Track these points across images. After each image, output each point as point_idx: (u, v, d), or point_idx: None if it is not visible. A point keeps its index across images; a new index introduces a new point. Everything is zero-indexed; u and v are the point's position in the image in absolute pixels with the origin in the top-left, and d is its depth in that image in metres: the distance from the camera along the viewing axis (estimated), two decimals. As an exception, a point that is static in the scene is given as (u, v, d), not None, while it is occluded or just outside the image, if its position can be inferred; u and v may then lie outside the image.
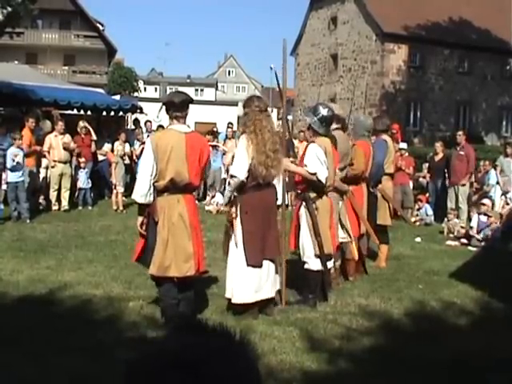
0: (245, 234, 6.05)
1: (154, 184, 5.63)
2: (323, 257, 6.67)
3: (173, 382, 0.90)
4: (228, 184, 6.25)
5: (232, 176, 6.09)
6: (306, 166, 6.61)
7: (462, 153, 13.66)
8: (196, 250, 5.72)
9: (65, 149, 13.63)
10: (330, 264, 6.96)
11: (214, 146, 16.38)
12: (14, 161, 11.84)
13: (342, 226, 7.74)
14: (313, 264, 6.73)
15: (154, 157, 5.58)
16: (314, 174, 6.54)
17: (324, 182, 6.59)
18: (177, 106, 5.78)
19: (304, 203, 6.75)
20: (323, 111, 6.83)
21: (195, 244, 5.72)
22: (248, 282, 6.07)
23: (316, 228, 6.61)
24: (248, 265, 6.04)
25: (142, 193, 5.64)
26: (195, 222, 5.80)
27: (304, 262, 6.80)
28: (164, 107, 5.94)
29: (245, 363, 0.97)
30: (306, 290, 6.84)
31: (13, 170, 11.89)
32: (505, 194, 13.68)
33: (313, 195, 6.70)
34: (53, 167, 13.60)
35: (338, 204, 7.53)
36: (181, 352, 0.94)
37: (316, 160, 6.55)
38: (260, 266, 6.10)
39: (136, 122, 19.15)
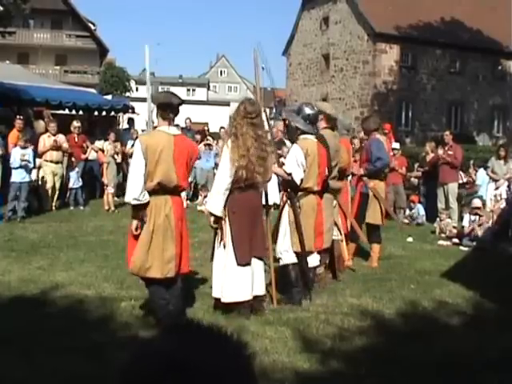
0: (234, 233, 6.08)
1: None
2: (304, 254, 6.73)
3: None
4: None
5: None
6: (284, 164, 6.78)
7: (450, 152, 13.70)
8: (179, 251, 5.70)
9: (56, 149, 13.55)
10: (314, 262, 6.98)
11: (208, 145, 16.35)
12: (22, 160, 11.81)
13: (335, 224, 7.77)
14: (286, 258, 6.82)
15: (144, 158, 5.52)
16: (290, 174, 6.69)
17: (298, 182, 6.71)
18: (173, 108, 5.75)
19: (288, 201, 6.82)
20: (306, 110, 6.93)
21: (178, 246, 5.70)
22: (238, 281, 6.08)
23: (298, 225, 6.66)
24: (238, 264, 6.06)
25: (134, 194, 5.53)
26: (181, 224, 5.77)
27: (279, 258, 6.88)
28: (156, 107, 5.88)
29: (239, 361, 0.97)
30: (288, 285, 6.87)
31: (20, 168, 11.85)
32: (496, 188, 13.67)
33: (299, 193, 6.76)
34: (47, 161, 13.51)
35: (332, 203, 7.57)
36: (175, 353, 0.93)
37: (294, 161, 6.70)
38: (249, 265, 6.13)
39: (130, 121, 19.08)
